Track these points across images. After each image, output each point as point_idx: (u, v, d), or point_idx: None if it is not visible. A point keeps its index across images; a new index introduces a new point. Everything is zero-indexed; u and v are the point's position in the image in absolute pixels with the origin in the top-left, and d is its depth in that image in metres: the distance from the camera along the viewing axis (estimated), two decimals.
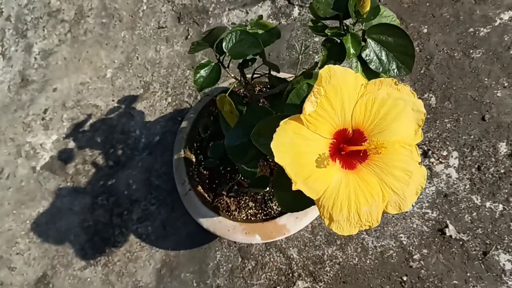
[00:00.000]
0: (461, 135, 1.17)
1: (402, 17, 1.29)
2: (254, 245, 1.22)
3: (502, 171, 1.12)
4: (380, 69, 0.72)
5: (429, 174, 1.17)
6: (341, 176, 0.58)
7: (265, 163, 1.06)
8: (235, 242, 1.23)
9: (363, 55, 0.70)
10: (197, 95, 1.39)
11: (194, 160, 1.11)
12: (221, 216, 1.02)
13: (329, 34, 0.71)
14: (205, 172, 1.09)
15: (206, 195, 1.07)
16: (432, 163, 1.16)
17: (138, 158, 1.37)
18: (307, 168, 0.56)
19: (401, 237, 1.14)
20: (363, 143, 0.61)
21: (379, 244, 1.14)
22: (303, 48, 1.14)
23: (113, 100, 1.45)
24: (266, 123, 0.64)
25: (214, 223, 1.02)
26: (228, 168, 1.09)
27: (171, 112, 1.39)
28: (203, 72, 0.86)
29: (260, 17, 1.41)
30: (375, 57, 0.71)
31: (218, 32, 0.90)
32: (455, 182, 1.14)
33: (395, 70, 0.71)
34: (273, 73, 0.92)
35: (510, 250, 1.08)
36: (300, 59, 0.98)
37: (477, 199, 1.12)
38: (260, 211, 1.04)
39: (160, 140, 1.37)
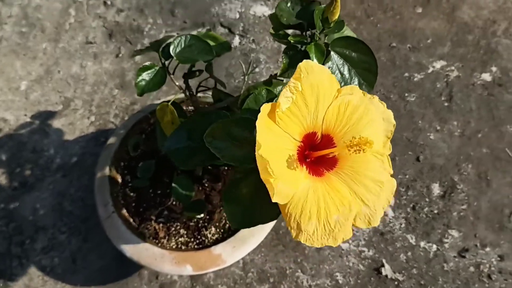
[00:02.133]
0: (397, 175, 1.19)
1: None
2: (178, 282, 1.11)
3: (435, 211, 1.15)
4: (342, 84, 0.71)
5: None
6: (308, 182, 0.54)
7: (200, 188, 1.00)
8: (156, 278, 1.12)
9: (326, 66, 0.67)
10: (124, 115, 1.31)
11: (120, 180, 1.02)
12: (148, 243, 0.91)
13: (292, 41, 0.69)
14: (132, 194, 1.00)
15: (131, 220, 0.98)
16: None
17: (50, 180, 1.24)
18: (279, 168, 0.50)
19: (337, 275, 1.11)
20: (331, 149, 0.57)
21: (314, 283, 1.10)
22: (250, 68, 1.11)
23: (25, 115, 1.32)
24: (221, 125, 0.62)
25: (139, 251, 0.93)
26: (159, 191, 1.02)
27: (94, 132, 1.29)
28: (145, 75, 0.80)
29: (209, 29, 1.37)
30: (337, 71, 0.70)
31: (165, 39, 0.84)
32: (391, 220, 1.15)
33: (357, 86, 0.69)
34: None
35: None
36: (246, 79, 0.94)
37: (412, 239, 1.13)
38: (192, 240, 0.96)
39: (78, 162, 1.25)
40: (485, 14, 1.44)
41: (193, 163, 0.70)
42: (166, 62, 0.83)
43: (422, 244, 1.16)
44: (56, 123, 1.35)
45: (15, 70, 1.42)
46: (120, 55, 1.43)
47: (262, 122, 0.51)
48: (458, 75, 1.34)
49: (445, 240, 1.16)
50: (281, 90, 0.57)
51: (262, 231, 0.97)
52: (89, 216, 1.22)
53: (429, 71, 1.36)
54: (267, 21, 1.46)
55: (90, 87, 1.39)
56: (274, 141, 0.53)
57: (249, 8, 1.49)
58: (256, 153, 0.50)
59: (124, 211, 1.01)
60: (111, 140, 1.07)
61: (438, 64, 1.37)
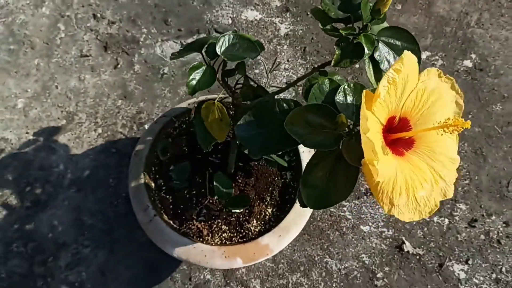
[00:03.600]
0: None
1: None
2: (211, 281, 1.14)
3: None
4: None
5: None
6: (394, 162, 0.59)
7: (234, 184, 1.02)
8: (189, 279, 1.14)
9: (375, 55, 0.74)
10: (132, 125, 1.32)
11: (153, 185, 1.03)
12: (195, 242, 0.94)
13: (343, 33, 0.75)
14: (168, 197, 1.02)
15: (172, 222, 0.98)
16: None
17: (64, 196, 1.23)
18: (379, 150, 0.56)
19: (363, 257, 1.17)
20: (407, 131, 0.63)
21: (342, 267, 1.15)
22: (274, 65, 1.15)
23: (27, 133, 1.30)
24: (298, 113, 0.66)
25: (188, 250, 0.95)
26: (193, 192, 1.04)
27: (103, 144, 1.29)
28: (195, 75, 0.83)
29: (235, 30, 1.41)
30: (384, 59, 0.77)
31: (204, 39, 0.88)
32: None
33: None
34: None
35: (461, 260, 1.18)
36: (268, 77, 0.99)
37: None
38: (235, 234, 0.99)
39: (90, 175, 1.25)
40: (458, 7, 1.57)
41: (268, 150, 0.74)
42: (211, 62, 0.86)
43: (435, 219, 1.25)
44: (62, 138, 1.33)
45: (9, 88, 1.38)
46: (119, 66, 1.43)
47: (364, 108, 0.56)
48: (443, 63, 1.46)
49: (455, 214, 1.26)
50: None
51: (303, 218, 1.02)
52: (112, 227, 1.21)
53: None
54: (259, 25, 1.52)
55: (92, 100, 1.38)
56: (372, 126, 0.58)
57: (240, 13, 1.54)
58: (363, 136, 0.55)
59: (164, 214, 1.02)
60: (139, 147, 1.07)
61: (424, 55, 1.48)
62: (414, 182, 0.58)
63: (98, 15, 1.52)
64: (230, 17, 1.53)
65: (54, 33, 1.49)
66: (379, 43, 0.75)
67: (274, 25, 1.53)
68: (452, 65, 1.46)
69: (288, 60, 1.46)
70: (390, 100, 0.59)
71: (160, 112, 1.37)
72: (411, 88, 0.61)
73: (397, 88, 0.59)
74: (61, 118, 1.35)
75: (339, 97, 0.67)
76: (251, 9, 1.55)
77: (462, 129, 0.59)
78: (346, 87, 0.68)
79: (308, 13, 1.54)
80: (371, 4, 0.76)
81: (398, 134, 0.63)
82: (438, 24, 1.54)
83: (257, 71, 1.44)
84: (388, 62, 0.76)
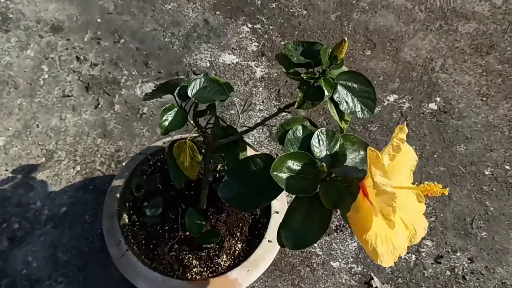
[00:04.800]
0: None
1: None
2: None
3: None
4: (348, 111, 0.83)
5: (349, 231, 1.27)
6: (372, 214, 0.64)
7: (206, 220, 1.05)
8: None
9: (334, 97, 0.80)
10: (110, 163, 1.35)
11: (127, 220, 1.06)
12: (166, 276, 0.96)
13: (304, 77, 0.81)
14: (140, 232, 1.04)
15: (144, 257, 1.01)
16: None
17: (40, 232, 1.25)
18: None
19: None
20: None
21: None
22: (246, 105, 1.21)
23: (6, 170, 1.33)
24: (281, 161, 0.70)
25: (159, 285, 0.99)
26: (166, 227, 1.06)
27: (81, 181, 1.32)
28: (168, 116, 0.88)
29: (206, 73, 1.48)
30: (343, 100, 0.83)
31: (175, 81, 0.93)
32: None
33: (360, 112, 0.82)
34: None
35: None
36: (240, 117, 1.04)
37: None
38: (205, 269, 1.02)
39: (68, 212, 1.28)
40: (423, 53, 1.67)
41: (253, 204, 0.79)
42: (183, 104, 0.91)
43: (402, 255, 1.28)
44: (40, 176, 1.35)
45: None
46: (100, 106, 1.48)
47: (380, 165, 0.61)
48: (409, 106, 1.54)
49: (422, 250, 1.30)
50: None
51: (270, 253, 1.05)
52: (86, 263, 1.23)
53: (385, 104, 1.54)
54: (236, 68, 1.59)
55: (72, 138, 1.42)
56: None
57: (218, 57, 1.61)
58: (386, 189, 0.60)
59: (136, 249, 1.05)
60: (115, 182, 1.11)
61: (392, 98, 1.55)
62: (390, 232, 0.63)
63: (81, 57, 1.58)
64: (208, 60, 1.61)
65: (37, 74, 1.54)
66: (338, 86, 0.81)
67: (250, 68, 1.60)
68: (418, 108, 1.54)
69: (263, 102, 1.53)
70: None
71: (138, 150, 1.41)
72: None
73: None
74: (41, 156, 1.39)
75: (315, 143, 0.73)
76: (228, 53, 1.63)
77: (440, 194, 0.66)
78: (319, 133, 0.74)
79: None
80: (330, 50, 0.82)
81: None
82: (405, 69, 1.62)
83: (233, 111, 1.50)
84: (347, 103, 0.82)
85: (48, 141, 1.41)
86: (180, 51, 1.62)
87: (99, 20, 1.67)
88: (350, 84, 0.83)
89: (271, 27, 1.70)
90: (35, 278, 1.21)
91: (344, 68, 0.87)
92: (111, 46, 1.61)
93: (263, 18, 1.72)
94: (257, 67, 1.61)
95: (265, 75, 1.59)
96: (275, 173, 0.68)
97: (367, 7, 1.77)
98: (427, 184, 0.68)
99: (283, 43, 1.65)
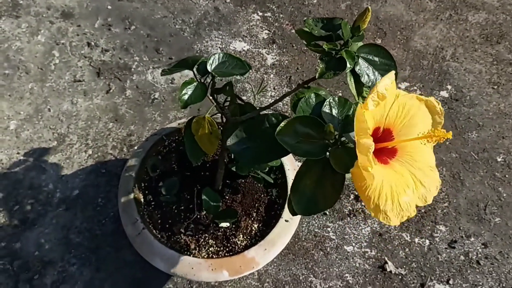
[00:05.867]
0: None
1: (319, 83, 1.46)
2: None
3: (423, 210, 1.28)
4: (369, 83, 0.82)
5: (362, 216, 1.26)
6: (380, 169, 0.63)
7: (222, 201, 1.04)
8: None
9: (356, 69, 0.79)
10: (122, 147, 1.35)
11: (142, 200, 1.05)
12: (182, 255, 0.95)
13: (327, 48, 0.80)
14: (156, 212, 1.03)
15: (160, 236, 1.00)
16: (364, 206, 1.26)
17: (52, 215, 1.23)
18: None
19: (347, 276, 1.18)
20: (391, 141, 0.67)
21: (326, 286, 1.17)
22: (261, 87, 1.20)
23: (18, 153, 1.32)
24: (288, 124, 0.70)
25: (175, 262, 0.97)
26: (182, 207, 1.05)
27: (93, 165, 1.31)
28: (188, 90, 0.87)
29: (227, 52, 1.47)
30: (364, 73, 0.82)
31: (194, 58, 0.93)
32: None
33: None
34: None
35: (442, 280, 1.20)
36: (255, 98, 1.04)
37: (407, 236, 1.24)
38: (222, 248, 1.01)
39: (80, 194, 1.26)
40: (434, 42, 1.66)
41: (259, 161, 0.78)
42: (202, 79, 0.90)
43: (416, 240, 1.28)
44: (52, 159, 1.34)
45: (2, 110, 1.41)
46: (111, 91, 1.47)
47: (362, 113, 0.60)
48: (420, 93, 1.53)
49: (435, 235, 1.29)
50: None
51: (288, 233, 1.04)
52: (99, 245, 1.22)
53: None
54: (247, 55, 1.58)
55: (83, 122, 1.41)
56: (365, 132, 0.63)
57: (229, 44, 1.61)
58: (358, 141, 0.59)
59: (152, 228, 1.04)
60: (131, 162, 1.10)
61: (403, 85, 1.55)
62: (398, 188, 0.62)
63: (92, 43, 1.57)
64: (219, 47, 1.60)
65: (48, 59, 1.53)
66: (359, 59, 0.81)
67: (261, 55, 1.60)
68: (430, 95, 1.53)
69: (274, 88, 1.52)
70: (377, 112, 0.64)
71: (150, 135, 1.40)
72: (390, 102, 0.66)
73: (383, 101, 0.63)
74: (52, 139, 1.37)
75: (326, 109, 0.72)
76: (239, 41, 1.62)
77: (444, 140, 0.64)
78: (331, 100, 0.73)
79: (294, 44, 1.61)
80: (350, 25, 0.82)
81: (383, 144, 0.67)
82: (416, 58, 1.62)
83: (244, 97, 1.49)
84: (368, 75, 0.81)
85: (60, 125, 1.40)
86: (191, 38, 1.61)
87: (109, 7, 1.66)
88: (371, 57, 0.82)
89: (281, 15, 1.69)
90: (47, 260, 1.19)
91: (363, 43, 0.87)
92: (121, 32, 1.61)
93: (273, 7, 1.72)
94: (268, 54, 1.60)
95: (276, 62, 1.58)
96: (280, 136, 0.67)
97: None
98: (431, 130, 0.66)
99: (293, 31, 1.64)
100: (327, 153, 0.69)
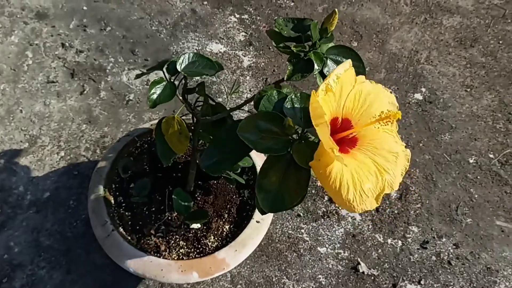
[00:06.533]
0: None
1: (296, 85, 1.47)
2: None
3: (396, 212, 1.29)
4: None
5: (336, 218, 1.27)
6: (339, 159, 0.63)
7: (193, 202, 1.04)
8: None
9: (324, 71, 0.79)
10: (95, 148, 1.33)
11: (113, 201, 1.04)
12: (152, 256, 0.95)
13: (295, 50, 0.80)
14: (127, 213, 1.03)
15: (129, 237, 0.99)
16: (338, 207, 1.27)
17: (22, 217, 1.22)
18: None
19: (320, 278, 1.19)
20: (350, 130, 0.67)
21: (300, 287, 1.16)
22: (234, 87, 1.21)
23: None
24: (250, 120, 0.70)
25: (144, 264, 0.96)
26: (153, 208, 1.04)
27: (65, 167, 1.30)
28: (157, 89, 0.87)
29: (197, 52, 1.47)
30: None
31: (166, 59, 0.93)
32: (359, 223, 1.27)
33: None
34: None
35: (414, 280, 1.21)
36: (228, 98, 1.04)
37: (380, 237, 1.25)
38: (192, 250, 1.01)
39: (51, 197, 1.25)
40: (409, 45, 1.68)
41: (228, 165, 0.78)
42: (172, 78, 0.90)
43: (389, 241, 1.28)
44: (23, 161, 1.32)
45: None
46: (85, 92, 1.46)
47: (316, 99, 0.60)
48: (395, 96, 1.54)
49: (408, 236, 1.30)
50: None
51: (259, 234, 1.04)
52: (69, 248, 1.20)
53: None
54: (223, 57, 1.58)
55: (56, 124, 1.39)
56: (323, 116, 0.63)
57: (205, 46, 1.60)
58: (318, 125, 0.59)
59: (122, 230, 1.03)
60: (101, 163, 1.09)
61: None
62: (360, 176, 0.62)
63: (67, 44, 1.56)
64: (196, 49, 1.60)
65: (21, 60, 1.51)
66: (328, 60, 0.81)
67: (238, 57, 1.60)
68: (404, 98, 1.55)
69: (250, 90, 1.52)
70: (331, 102, 0.64)
71: (122, 136, 1.39)
72: (347, 91, 0.66)
73: (337, 89, 0.64)
74: (24, 141, 1.36)
75: (287, 105, 0.72)
76: (216, 42, 1.62)
77: (396, 119, 0.64)
78: (293, 96, 0.73)
79: (271, 47, 1.62)
80: (319, 27, 0.82)
81: (342, 134, 0.67)
82: (391, 60, 1.63)
83: (220, 99, 1.49)
84: None
85: (32, 126, 1.38)
86: (167, 40, 1.61)
87: (85, 8, 1.65)
88: (339, 58, 0.82)
89: (258, 18, 1.70)
90: (16, 263, 1.17)
91: (333, 44, 0.87)
92: (97, 33, 1.59)
93: (251, 9, 1.72)
94: (244, 56, 1.60)
95: (252, 64, 1.58)
96: (242, 132, 0.67)
97: (353, 0, 1.78)
98: (382, 112, 0.66)
99: None
100: (291, 149, 0.69)
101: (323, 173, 0.61)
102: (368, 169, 0.64)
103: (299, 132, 0.70)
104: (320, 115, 0.59)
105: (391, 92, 0.71)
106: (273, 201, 0.69)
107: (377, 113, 0.68)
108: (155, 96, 0.86)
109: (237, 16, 1.70)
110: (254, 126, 0.70)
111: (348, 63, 0.65)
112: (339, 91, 0.65)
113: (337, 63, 0.82)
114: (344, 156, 0.64)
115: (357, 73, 0.85)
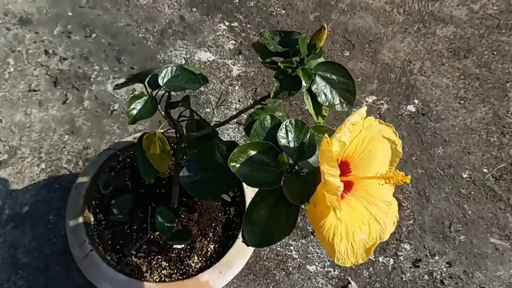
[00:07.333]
0: None
1: None
2: None
3: None
4: (326, 103, 0.79)
5: None
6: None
7: (177, 220, 1.00)
8: None
9: (312, 88, 0.76)
10: (78, 161, 1.28)
11: (92, 219, 1.00)
12: (132, 278, 0.90)
13: (282, 66, 0.77)
14: (106, 232, 0.98)
15: (109, 258, 0.95)
16: None
17: (0, 233, 1.16)
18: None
19: None
20: (348, 175, 0.63)
21: None
22: (220, 101, 1.16)
23: None
24: (241, 150, 0.66)
25: (124, 287, 0.89)
26: (134, 227, 1.00)
27: (45, 179, 1.25)
28: (137, 104, 0.82)
29: (182, 65, 1.42)
30: (321, 92, 0.79)
31: (148, 71, 0.89)
32: None
33: (338, 105, 0.78)
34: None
35: None
36: (214, 113, 1.00)
37: (371, 255, 1.20)
38: (175, 271, 0.97)
39: (30, 211, 1.21)
40: (402, 55, 1.65)
41: (212, 192, 0.74)
42: (153, 93, 0.86)
43: (380, 259, 1.25)
44: (2, 173, 1.27)
45: None
46: (68, 101, 1.41)
47: (332, 153, 0.56)
48: (388, 107, 1.51)
49: (400, 253, 1.26)
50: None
51: (245, 254, 1.00)
52: (48, 265, 1.15)
53: (364, 105, 1.51)
54: (212, 65, 1.54)
55: (37, 135, 1.34)
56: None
57: (193, 54, 1.56)
58: (329, 180, 0.55)
59: (101, 249, 0.98)
60: (81, 179, 1.04)
61: (370, 99, 1.53)
62: (353, 227, 0.58)
63: (50, 51, 1.51)
64: (184, 57, 1.55)
65: (3, 67, 1.46)
66: (316, 77, 0.77)
67: (227, 66, 1.56)
68: (397, 109, 1.51)
69: (239, 100, 1.48)
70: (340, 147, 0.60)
71: (127, 138, 1.34)
72: (355, 135, 0.62)
73: (348, 139, 0.59)
74: (3, 152, 1.31)
75: (281, 134, 0.67)
76: (205, 51, 1.58)
77: (402, 183, 0.60)
78: (287, 123, 0.69)
79: None
80: (308, 41, 0.78)
81: (341, 178, 0.63)
82: (384, 71, 1.60)
83: (208, 109, 1.45)
84: (325, 95, 0.77)
85: (12, 137, 1.33)
86: (155, 47, 1.56)
87: (70, 14, 1.60)
88: (329, 75, 0.78)
89: (248, 26, 1.66)
90: None
91: (323, 59, 0.83)
92: (82, 40, 1.55)
93: (241, 17, 1.68)
94: (233, 65, 1.56)
95: (242, 74, 1.54)
96: (233, 163, 0.63)
97: (346, 8, 1.74)
98: (389, 171, 0.63)
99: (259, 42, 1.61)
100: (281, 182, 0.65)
101: (317, 222, 0.58)
102: (362, 218, 0.60)
103: (291, 163, 0.66)
104: (333, 168, 0.54)
105: (390, 127, 0.66)
106: (260, 235, 0.65)
107: (378, 160, 0.64)
108: (135, 112, 0.82)
109: (227, 23, 1.66)
110: (246, 157, 0.65)
111: (363, 110, 0.61)
112: (350, 139, 0.61)
113: (326, 80, 0.78)
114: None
115: (347, 91, 0.82)
